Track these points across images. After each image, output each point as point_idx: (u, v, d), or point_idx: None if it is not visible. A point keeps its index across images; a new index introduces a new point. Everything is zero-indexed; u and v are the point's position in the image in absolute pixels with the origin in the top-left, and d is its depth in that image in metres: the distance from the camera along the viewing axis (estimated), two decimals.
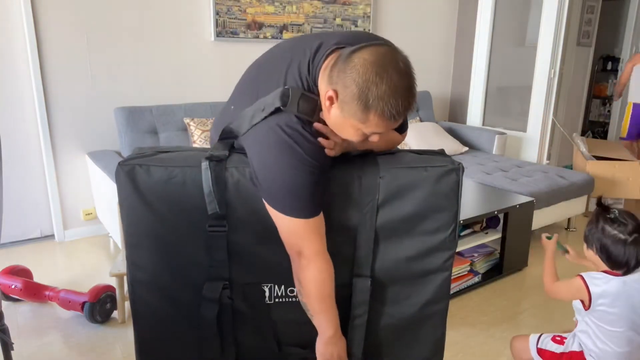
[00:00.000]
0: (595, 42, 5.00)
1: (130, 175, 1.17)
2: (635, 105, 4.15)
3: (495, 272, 2.66)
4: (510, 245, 2.63)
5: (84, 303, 2.13)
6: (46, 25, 2.81)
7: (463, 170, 1.24)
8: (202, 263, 1.22)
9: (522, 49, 4.18)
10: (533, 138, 4.06)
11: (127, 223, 1.20)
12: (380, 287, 1.25)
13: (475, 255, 2.58)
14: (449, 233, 1.23)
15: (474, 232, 2.60)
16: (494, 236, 2.60)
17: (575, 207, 3.25)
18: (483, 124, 4.50)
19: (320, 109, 1.12)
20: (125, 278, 2.28)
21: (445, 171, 1.21)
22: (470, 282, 2.52)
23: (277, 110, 1.09)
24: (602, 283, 1.52)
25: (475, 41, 4.42)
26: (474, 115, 4.52)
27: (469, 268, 2.54)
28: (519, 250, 2.72)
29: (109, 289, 2.19)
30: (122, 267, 2.13)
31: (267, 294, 1.24)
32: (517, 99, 4.28)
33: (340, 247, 1.22)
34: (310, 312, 1.21)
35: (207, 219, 1.18)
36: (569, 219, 3.39)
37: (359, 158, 1.23)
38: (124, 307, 2.20)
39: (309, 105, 1.10)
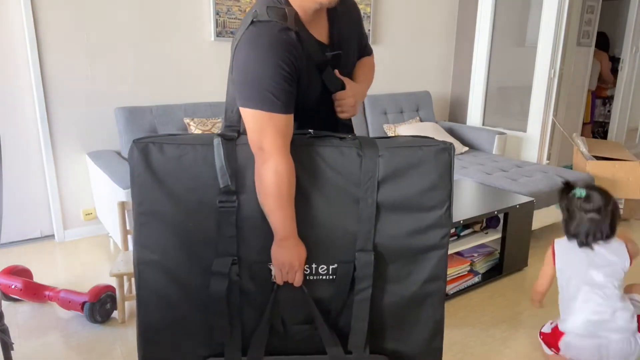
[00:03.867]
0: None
1: (144, 152, 1.20)
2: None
3: (495, 272, 2.66)
4: (510, 245, 2.64)
5: (84, 303, 2.13)
6: (46, 26, 2.81)
7: (454, 151, 1.31)
8: (212, 243, 1.24)
9: (522, 49, 4.18)
10: (533, 138, 4.06)
11: (138, 202, 1.22)
12: (382, 264, 1.31)
13: (475, 255, 2.58)
14: (444, 210, 1.30)
15: (474, 232, 2.60)
16: (494, 236, 2.60)
17: None
18: (483, 124, 4.50)
19: (294, 17, 1.23)
20: (125, 278, 2.28)
21: (438, 150, 1.28)
22: (470, 282, 2.52)
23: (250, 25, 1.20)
24: (564, 247, 1.86)
25: (475, 41, 4.42)
26: (474, 115, 4.52)
27: (469, 268, 2.54)
28: (519, 250, 2.72)
29: (109, 289, 2.19)
30: (122, 267, 2.13)
31: (273, 272, 1.27)
32: (517, 99, 4.28)
33: (343, 223, 1.27)
34: (266, 211, 1.21)
35: (217, 197, 1.22)
36: None
37: (359, 140, 1.31)
38: (124, 307, 2.19)
39: (277, 12, 1.21)
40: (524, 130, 4.13)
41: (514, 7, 4.23)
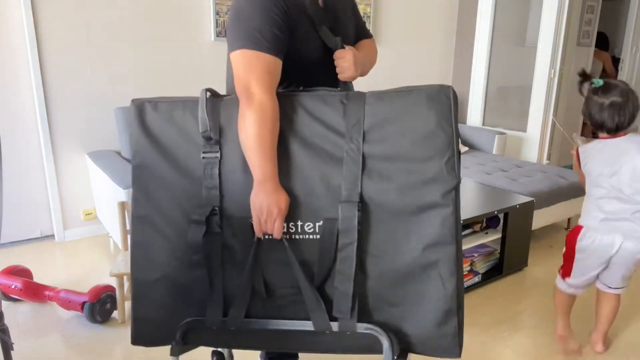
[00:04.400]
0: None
1: (140, 110, 1.26)
2: None
3: (495, 272, 2.65)
4: (510, 245, 2.63)
5: (84, 303, 2.13)
6: (46, 25, 2.81)
7: (455, 94, 1.16)
8: (197, 196, 1.24)
9: (522, 49, 4.18)
10: (533, 138, 4.06)
11: (132, 156, 1.28)
12: (373, 225, 1.17)
13: (475, 255, 2.58)
14: (444, 161, 1.13)
15: (474, 232, 2.60)
16: (494, 236, 2.60)
17: (575, 207, 3.25)
18: (483, 124, 4.50)
19: None
20: (125, 278, 2.28)
21: (433, 92, 1.14)
22: (470, 282, 2.52)
23: None
24: (588, 147, 1.93)
25: (475, 41, 4.42)
26: (474, 115, 4.52)
27: (469, 268, 2.54)
28: (519, 250, 2.72)
29: (109, 289, 2.19)
30: (122, 267, 2.13)
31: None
32: (517, 99, 4.28)
33: (327, 176, 1.18)
34: (245, 151, 1.18)
35: (201, 147, 1.24)
36: (569, 219, 3.39)
37: (347, 92, 1.24)
38: (124, 307, 2.19)
39: None
40: (524, 130, 4.13)
41: (514, 7, 4.23)
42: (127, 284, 2.37)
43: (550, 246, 3.12)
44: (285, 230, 1.20)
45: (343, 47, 1.35)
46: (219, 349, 1.54)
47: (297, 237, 1.21)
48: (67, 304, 2.18)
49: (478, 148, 4.04)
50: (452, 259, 1.15)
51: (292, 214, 1.20)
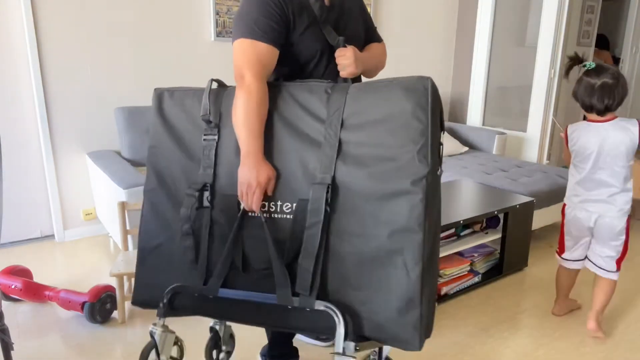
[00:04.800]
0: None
1: (159, 97, 1.46)
2: None
3: (495, 272, 2.66)
4: (510, 245, 2.64)
5: (84, 303, 2.13)
6: (46, 25, 2.81)
7: (434, 85, 1.19)
8: (196, 175, 1.39)
9: (522, 49, 4.18)
10: (533, 138, 4.06)
11: (150, 136, 1.46)
12: (344, 207, 1.22)
13: (475, 255, 2.58)
14: (417, 150, 1.16)
15: (474, 232, 2.60)
16: (494, 236, 2.60)
17: None
18: (483, 124, 4.50)
19: None
20: (125, 278, 2.28)
21: (410, 84, 1.20)
22: (470, 282, 2.52)
23: None
24: (577, 127, 2.02)
25: (475, 41, 4.42)
26: (474, 115, 4.52)
27: (469, 268, 2.54)
28: (519, 250, 2.72)
29: (109, 289, 2.19)
30: (122, 267, 2.13)
31: (242, 206, 1.32)
32: (517, 99, 4.28)
33: (306, 160, 1.27)
34: (235, 127, 1.31)
35: (203, 131, 1.39)
36: None
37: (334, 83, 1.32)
38: (124, 307, 2.19)
39: None
40: (524, 130, 4.13)
41: (514, 7, 4.23)
42: (127, 284, 2.37)
43: (550, 246, 3.12)
44: (265, 209, 1.30)
45: (345, 46, 1.41)
46: (215, 326, 1.66)
47: (275, 216, 1.29)
48: (67, 304, 2.18)
49: (478, 148, 4.04)
50: (417, 247, 1.16)
51: (273, 195, 1.29)
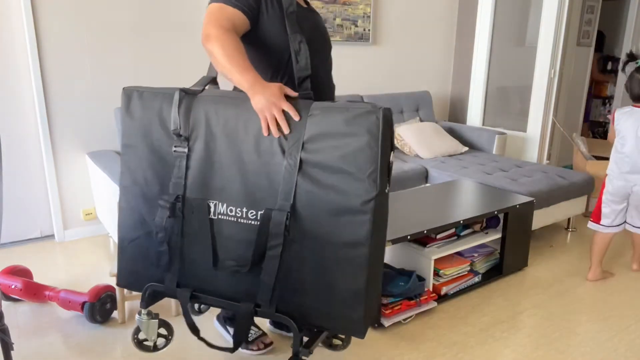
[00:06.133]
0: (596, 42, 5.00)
1: (128, 97, 1.50)
2: None
3: (495, 272, 2.66)
4: (510, 245, 2.64)
5: (84, 303, 2.13)
6: (46, 26, 2.81)
7: (386, 114, 1.30)
8: (167, 179, 1.49)
9: (522, 49, 4.18)
10: (533, 138, 4.06)
11: (121, 135, 1.52)
12: (301, 220, 1.36)
13: (475, 255, 2.58)
14: (368, 174, 1.29)
15: (474, 232, 2.60)
16: (494, 236, 2.60)
17: (575, 207, 3.25)
18: (483, 124, 4.50)
19: None
20: None
21: (365, 113, 1.29)
22: (470, 282, 2.52)
23: None
24: (623, 111, 2.55)
25: (475, 41, 4.42)
26: (474, 115, 4.52)
27: (469, 268, 2.54)
28: (519, 250, 2.72)
29: (109, 289, 2.19)
30: None
31: (212, 209, 1.44)
32: (517, 99, 4.28)
33: (270, 173, 1.38)
34: (226, 75, 1.39)
35: (174, 142, 1.46)
36: (569, 219, 3.39)
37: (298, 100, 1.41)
38: (124, 307, 2.19)
39: None
40: (524, 130, 4.12)
41: (514, 7, 4.23)
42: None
43: (550, 246, 3.12)
44: (232, 214, 1.43)
45: (301, 48, 1.51)
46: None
47: (241, 221, 1.43)
48: (67, 304, 2.18)
49: (478, 148, 4.04)
50: (363, 258, 1.34)
51: (239, 201, 1.42)
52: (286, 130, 1.35)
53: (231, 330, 2.00)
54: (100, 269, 2.72)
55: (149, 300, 1.57)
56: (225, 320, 2.04)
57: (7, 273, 2.32)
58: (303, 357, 1.46)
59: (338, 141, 1.31)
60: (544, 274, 2.72)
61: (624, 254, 3.01)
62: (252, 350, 1.94)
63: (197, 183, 1.45)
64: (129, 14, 3.03)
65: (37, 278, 2.57)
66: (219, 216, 1.44)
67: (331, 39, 3.84)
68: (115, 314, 2.22)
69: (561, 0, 3.72)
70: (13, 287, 2.25)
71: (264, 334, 2.01)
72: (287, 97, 1.38)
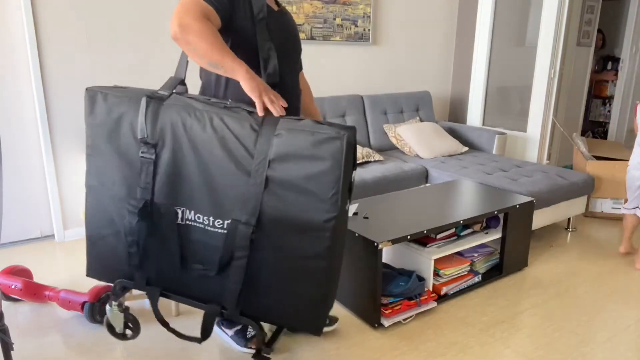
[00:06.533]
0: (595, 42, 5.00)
1: (92, 99, 1.50)
2: None
3: (495, 272, 2.66)
4: (510, 245, 2.64)
5: (84, 303, 2.13)
6: (46, 25, 2.81)
7: (349, 139, 1.35)
8: (135, 184, 1.51)
9: (522, 49, 4.18)
10: (533, 138, 4.06)
11: (87, 136, 1.54)
12: (266, 231, 1.44)
13: (475, 255, 2.58)
14: (330, 195, 1.37)
15: (474, 232, 2.60)
16: (494, 236, 2.60)
17: (575, 207, 3.25)
18: (483, 124, 4.50)
19: None
20: None
21: (329, 138, 1.35)
22: (470, 282, 2.52)
23: None
24: None
25: (475, 41, 4.42)
26: (474, 115, 4.52)
27: (469, 268, 2.54)
28: (519, 250, 2.72)
29: (109, 289, 2.19)
30: None
31: (180, 215, 1.49)
32: (517, 99, 4.28)
33: (237, 186, 1.42)
34: (217, 65, 1.43)
35: (140, 147, 1.48)
36: (569, 219, 3.39)
37: (264, 118, 1.46)
38: None
39: None
40: (524, 130, 4.13)
41: (514, 7, 4.23)
42: None
43: (550, 246, 3.12)
44: (200, 221, 1.48)
45: (270, 55, 1.57)
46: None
47: (209, 229, 1.48)
48: (67, 304, 2.18)
49: (478, 148, 4.04)
50: (323, 271, 1.44)
51: (205, 210, 1.46)
52: (283, 112, 1.44)
53: (228, 331, 2.01)
54: None
55: (119, 293, 1.66)
56: (221, 323, 2.05)
57: (7, 273, 2.32)
58: (265, 355, 1.61)
59: (303, 162, 1.37)
60: (544, 274, 2.72)
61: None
62: (251, 348, 1.94)
63: (165, 189, 1.49)
64: (129, 14, 3.03)
65: (37, 278, 2.57)
66: (187, 222, 1.49)
67: (331, 39, 3.86)
68: None
69: (561, 0, 3.72)
70: (13, 287, 2.25)
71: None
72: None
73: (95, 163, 1.54)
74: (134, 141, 1.48)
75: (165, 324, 1.66)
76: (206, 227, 1.47)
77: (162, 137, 1.46)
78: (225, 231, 1.45)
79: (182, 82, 1.58)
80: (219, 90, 1.65)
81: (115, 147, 1.51)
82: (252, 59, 1.58)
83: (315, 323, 1.50)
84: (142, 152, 1.47)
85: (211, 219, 1.46)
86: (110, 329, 1.76)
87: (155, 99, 1.46)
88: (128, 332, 1.79)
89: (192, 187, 1.46)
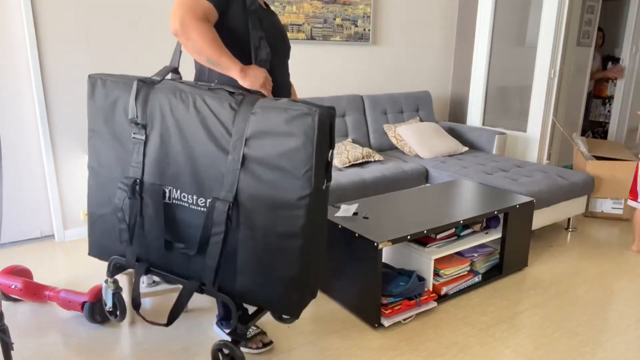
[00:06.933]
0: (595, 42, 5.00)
1: (92, 84, 1.61)
2: None
3: (495, 272, 2.66)
4: (510, 245, 2.64)
5: (84, 303, 2.13)
6: (46, 25, 2.81)
7: (322, 116, 1.37)
8: (127, 163, 1.61)
9: (522, 49, 4.18)
10: (533, 138, 4.06)
11: (88, 119, 1.65)
12: (243, 210, 1.47)
13: (475, 255, 2.58)
14: (302, 172, 1.39)
15: (474, 232, 2.60)
16: (494, 236, 2.60)
17: (575, 207, 3.25)
18: (483, 124, 4.50)
19: None
20: (125, 278, 2.27)
21: (301, 114, 1.37)
22: (470, 282, 2.52)
23: None
24: None
25: (475, 41, 4.42)
26: (474, 115, 4.52)
27: (469, 268, 2.54)
28: (519, 250, 2.72)
29: None
30: None
31: (167, 194, 1.57)
32: (517, 99, 4.28)
33: (217, 165, 1.48)
34: (216, 63, 1.50)
35: (132, 129, 1.57)
36: (569, 219, 3.39)
37: (243, 96, 1.50)
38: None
39: None
40: (524, 130, 4.13)
41: (514, 7, 4.23)
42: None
43: (550, 246, 3.12)
44: (185, 200, 1.54)
45: (260, 43, 1.62)
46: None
47: (192, 207, 1.54)
48: (67, 304, 2.18)
49: (478, 148, 4.04)
50: (299, 249, 1.46)
51: (188, 188, 1.53)
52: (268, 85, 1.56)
53: (228, 330, 2.01)
54: (100, 269, 2.72)
55: (114, 270, 1.76)
56: (221, 322, 2.05)
57: (7, 273, 2.32)
58: (239, 332, 1.63)
59: (277, 140, 1.40)
60: (544, 274, 2.72)
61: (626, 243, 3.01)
62: (251, 348, 1.94)
63: (154, 169, 1.57)
64: (130, 13, 3.03)
65: (37, 278, 2.57)
66: (174, 201, 1.57)
67: (331, 39, 3.86)
68: None
69: (561, 0, 3.72)
70: (13, 287, 2.25)
71: (263, 332, 2.00)
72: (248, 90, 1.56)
73: (95, 146, 1.64)
74: (127, 123, 1.57)
75: (137, 306, 1.75)
76: (191, 206, 1.53)
77: (151, 119, 1.54)
78: (206, 209, 1.51)
79: (176, 71, 1.65)
80: (213, 74, 1.69)
81: (110, 130, 1.60)
82: (245, 49, 1.63)
83: (291, 305, 1.51)
84: (133, 133, 1.56)
85: (194, 197, 1.52)
86: (104, 304, 1.93)
87: (147, 83, 1.55)
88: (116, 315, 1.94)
89: (177, 167, 1.52)
